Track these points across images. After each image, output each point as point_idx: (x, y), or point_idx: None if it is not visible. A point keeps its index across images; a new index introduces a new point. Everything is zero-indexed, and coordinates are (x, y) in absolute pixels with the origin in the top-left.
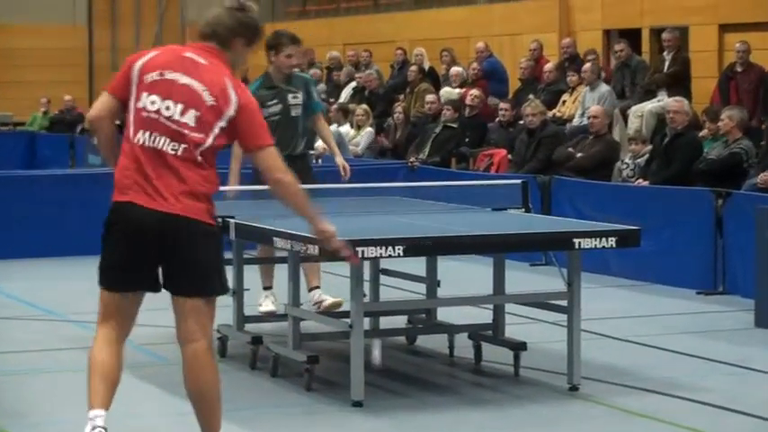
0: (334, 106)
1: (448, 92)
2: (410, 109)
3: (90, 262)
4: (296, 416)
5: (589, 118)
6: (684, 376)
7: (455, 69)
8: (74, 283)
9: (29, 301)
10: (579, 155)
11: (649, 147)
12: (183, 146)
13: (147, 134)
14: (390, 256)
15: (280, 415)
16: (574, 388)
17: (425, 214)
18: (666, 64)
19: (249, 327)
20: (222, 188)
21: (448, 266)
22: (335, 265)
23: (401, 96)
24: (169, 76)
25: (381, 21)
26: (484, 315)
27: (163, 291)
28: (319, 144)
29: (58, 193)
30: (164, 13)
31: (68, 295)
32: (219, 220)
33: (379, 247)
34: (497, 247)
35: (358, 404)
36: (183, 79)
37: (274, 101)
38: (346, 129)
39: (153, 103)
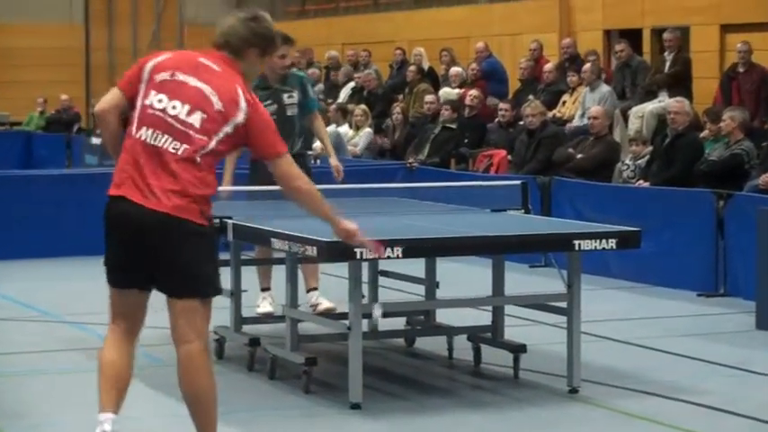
0: (333, 106)
1: (446, 92)
2: (409, 109)
3: (87, 262)
4: (294, 418)
5: (589, 119)
6: (685, 379)
7: (454, 69)
8: (70, 284)
9: (25, 303)
10: (579, 156)
11: (650, 148)
12: (184, 146)
13: (150, 131)
14: (389, 257)
15: (277, 417)
16: (574, 390)
17: (424, 215)
18: (667, 64)
19: (247, 328)
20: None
21: (447, 268)
22: (335, 266)
23: (400, 96)
24: (180, 77)
25: (380, 20)
26: (483, 317)
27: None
28: (318, 144)
29: (54, 194)
30: (161, 13)
31: (65, 296)
32: (217, 221)
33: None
34: (497, 249)
35: (356, 406)
36: (194, 82)
37: (269, 101)
38: (345, 129)
39: (160, 101)
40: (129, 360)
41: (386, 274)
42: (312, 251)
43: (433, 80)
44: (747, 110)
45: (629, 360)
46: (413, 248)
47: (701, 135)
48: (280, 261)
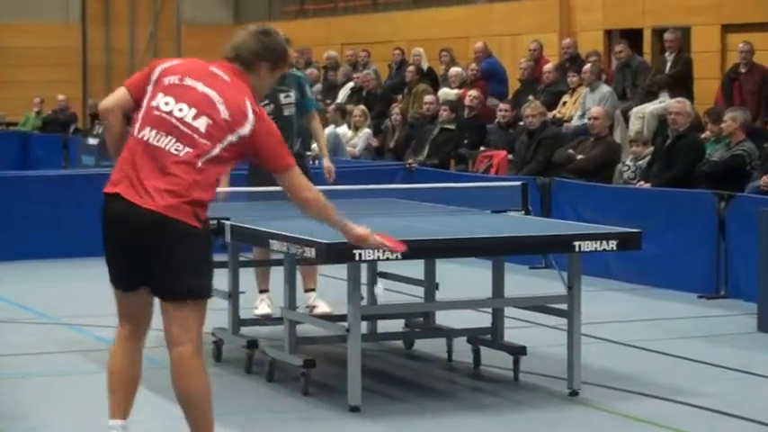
0: (332, 107)
1: (445, 92)
2: (408, 110)
3: (84, 264)
4: (292, 421)
5: (590, 119)
6: (685, 381)
7: (454, 70)
8: (67, 286)
9: (21, 304)
10: (580, 157)
11: (651, 148)
12: (187, 149)
13: (154, 132)
14: (388, 258)
15: (275, 420)
16: (574, 393)
17: (424, 216)
18: (668, 65)
19: (245, 330)
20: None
21: (446, 269)
22: (335, 267)
23: (399, 97)
24: (189, 82)
25: (379, 20)
26: (483, 319)
27: None
28: (316, 146)
29: (51, 194)
30: (159, 13)
31: (62, 298)
32: (214, 222)
33: (376, 250)
34: (496, 250)
35: (355, 409)
36: (202, 88)
37: (266, 101)
38: (344, 129)
39: (167, 104)
40: (133, 359)
41: (385, 275)
42: (311, 252)
43: (433, 80)
44: (749, 110)
45: (629, 362)
46: (412, 250)
47: (703, 136)
48: (278, 263)
